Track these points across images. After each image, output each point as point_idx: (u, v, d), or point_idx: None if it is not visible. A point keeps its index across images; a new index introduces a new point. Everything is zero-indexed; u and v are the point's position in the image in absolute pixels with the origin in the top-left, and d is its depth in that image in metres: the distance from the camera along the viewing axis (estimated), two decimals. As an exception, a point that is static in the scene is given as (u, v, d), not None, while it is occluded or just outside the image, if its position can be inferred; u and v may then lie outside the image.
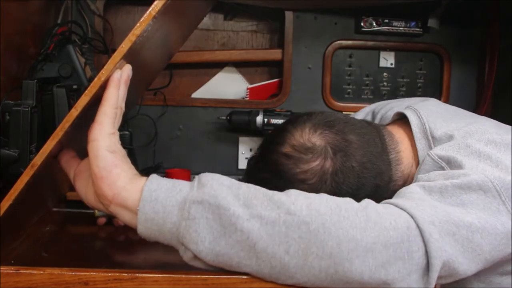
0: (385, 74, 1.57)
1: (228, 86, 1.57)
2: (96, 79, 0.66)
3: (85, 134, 0.67)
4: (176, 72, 1.53)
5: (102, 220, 1.02)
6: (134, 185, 0.65)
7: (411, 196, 0.71)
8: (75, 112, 0.66)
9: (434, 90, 1.58)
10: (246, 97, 1.55)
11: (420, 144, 0.86)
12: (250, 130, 1.48)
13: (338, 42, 1.54)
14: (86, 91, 0.66)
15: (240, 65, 1.58)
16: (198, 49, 1.55)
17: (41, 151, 0.67)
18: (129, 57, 0.69)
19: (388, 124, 0.95)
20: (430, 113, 0.88)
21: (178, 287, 0.67)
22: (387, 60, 1.56)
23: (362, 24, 1.52)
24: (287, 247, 0.62)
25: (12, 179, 0.71)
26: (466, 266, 0.67)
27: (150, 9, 0.66)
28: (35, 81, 0.89)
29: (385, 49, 1.56)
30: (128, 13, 1.52)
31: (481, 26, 1.55)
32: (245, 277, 0.66)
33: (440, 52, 1.56)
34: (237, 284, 0.66)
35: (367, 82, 1.57)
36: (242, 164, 1.54)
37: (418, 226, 0.65)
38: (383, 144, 0.86)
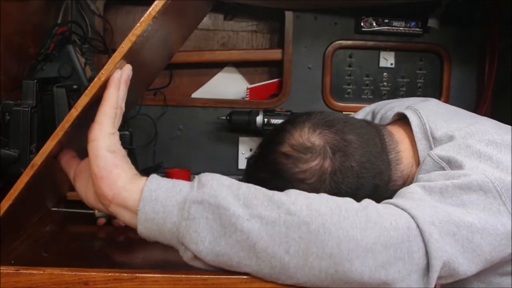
0: (385, 74, 1.57)
1: (228, 86, 1.57)
2: (96, 79, 0.66)
3: (85, 134, 0.67)
4: (176, 72, 1.53)
5: (102, 221, 1.02)
6: (134, 185, 0.65)
7: (411, 196, 0.71)
8: (75, 112, 0.66)
9: (434, 90, 1.58)
10: (246, 97, 1.55)
11: (421, 144, 0.86)
12: (250, 130, 1.48)
13: (338, 42, 1.54)
14: (86, 91, 0.66)
15: (240, 65, 1.58)
16: (198, 49, 1.55)
17: (41, 151, 0.67)
18: (129, 57, 0.69)
19: (388, 124, 0.95)
20: (430, 114, 0.88)
21: (178, 287, 0.67)
22: (387, 60, 1.56)
23: (362, 24, 1.52)
24: (287, 247, 0.62)
25: (12, 179, 0.71)
26: (466, 266, 0.67)
27: (150, 9, 0.66)
28: (35, 81, 0.89)
29: (385, 49, 1.56)
30: (128, 13, 1.52)
31: (481, 26, 1.55)
32: (245, 277, 0.66)
33: (440, 52, 1.56)
34: (237, 284, 0.66)
35: (367, 82, 1.57)
36: (242, 164, 1.54)
37: (418, 226, 0.65)
38: (382, 144, 0.86)
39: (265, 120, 1.44)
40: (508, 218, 0.69)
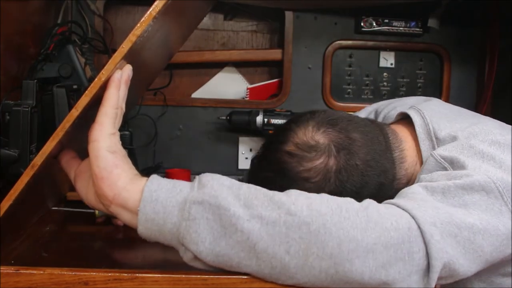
0: (385, 74, 1.57)
1: (228, 86, 1.57)
2: (96, 79, 0.66)
3: (85, 135, 0.67)
4: (176, 72, 1.53)
5: (101, 219, 1.02)
6: (135, 185, 0.65)
7: (413, 196, 0.71)
8: (75, 112, 0.66)
9: (434, 90, 1.58)
10: (246, 97, 1.55)
11: (424, 145, 0.85)
12: (250, 130, 1.48)
13: (338, 42, 1.54)
14: (86, 92, 0.66)
15: (240, 65, 1.57)
16: (198, 49, 1.55)
17: (41, 151, 0.67)
18: (129, 58, 0.69)
19: (392, 124, 0.95)
20: (433, 114, 0.88)
21: (178, 287, 0.67)
22: (387, 60, 1.56)
23: (362, 24, 1.52)
24: (287, 248, 0.62)
25: (12, 179, 0.71)
26: (467, 267, 0.67)
27: (151, 9, 0.66)
28: (35, 81, 0.89)
29: (385, 49, 1.56)
30: (128, 13, 1.52)
31: (481, 26, 1.55)
32: (245, 277, 0.66)
33: (440, 52, 1.56)
34: (237, 284, 0.66)
35: (367, 82, 1.57)
36: (242, 164, 1.54)
37: (419, 227, 0.65)
38: (386, 142, 0.86)
39: (265, 120, 1.44)
40: (509, 218, 0.69)
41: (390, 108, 1.04)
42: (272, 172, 0.84)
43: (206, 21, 1.55)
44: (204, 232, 0.62)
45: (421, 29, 1.53)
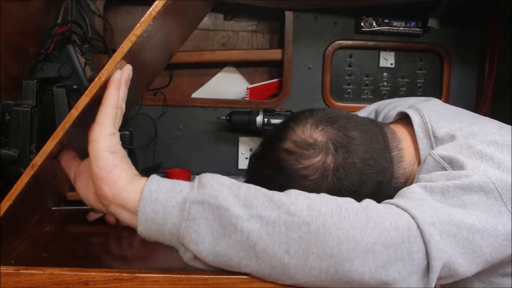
0: (385, 74, 1.57)
1: (228, 86, 1.57)
2: (96, 79, 0.66)
3: (85, 135, 0.67)
4: (176, 72, 1.53)
5: (93, 216, 1.01)
6: (134, 185, 0.65)
7: (412, 196, 0.71)
8: (75, 112, 0.66)
9: (434, 90, 1.58)
10: (246, 97, 1.55)
11: (422, 143, 0.86)
12: (250, 130, 1.48)
13: (338, 42, 1.54)
14: (86, 92, 0.66)
15: (240, 65, 1.58)
16: (198, 49, 1.55)
17: (41, 151, 0.67)
18: (129, 57, 0.69)
19: (391, 123, 0.95)
20: (432, 113, 0.88)
21: (178, 287, 0.67)
22: (387, 60, 1.57)
23: (362, 24, 1.52)
24: (287, 248, 0.62)
25: (12, 179, 0.71)
26: (466, 267, 0.67)
27: (151, 9, 0.66)
28: (35, 81, 0.89)
29: (385, 49, 1.56)
30: (128, 13, 1.52)
31: (481, 26, 1.55)
32: (245, 277, 0.66)
33: (440, 52, 1.56)
34: (237, 284, 0.66)
35: (367, 82, 1.57)
36: (242, 164, 1.55)
37: (419, 227, 0.65)
38: (385, 141, 0.86)
39: (265, 120, 1.44)
40: (508, 219, 0.69)
41: (390, 108, 1.04)
42: (271, 170, 0.84)
43: (206, 21, 1.55)
44: (204, 232, 0.62)
45: (421, 29, 1.53)
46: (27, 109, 0.85)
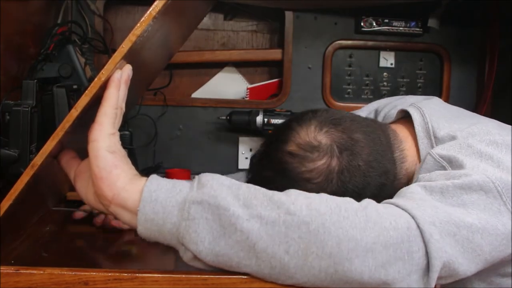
0: (385, 74, 1.57)
1: (228, 86, 1.57)
2: (96, 79, 0.66)
3: (85, 135, 0.67)
4: (176, 72, 1.53)
5: (79, 215, 1.00)
6: (134, 185, 0.65)
7: (412, 196, 0.71)
8: (75, 112, 0.66)
9: (434, 90, 1.58)
10: (246, 97, 1.55)
11: (422, 143, 0.86)
12: (250, 130, 1.48)
13: (338, 42, 1.54)
14: (86, 91, 0.66)
15: (240, 65, 1.58)
16: (198, 49, 1.55)
17: (41, 151, 0.67)
18: (129, 57, 0.69)
19: (392, 123, 0.95)
20: (433, 113, 0.88)
21: (178, 287, 0.67)
22: (387, 60, 1.57)
23: (362, 24, 1.52)
24: (287, 247, 0.62)
25: (12, 179, 0.71)
26: (466, 266, 0.67)
27: (151, 9, 0.66)
28: (35, 81, 0.89)
29: (385, 49, 1.56)
30: (128, 13, 1.52)
31: (481, 26, 1.55)
32: (245, 277, 0.66)
33: (440, 52, 1.56)
34: (237, 284, 0.66)
35: (367, 82, 1.57)
36: (242, 164, 1.55)
37: (418, 226, 0.65)
38: (388, 142, 0.86)
39: (265, 120, 1.44)
40: (508, 218, 0.69)
41: (390, 107, 1.04)
42: (273, 172, 0.84)
43: (206, 21, 1.55)
44: (204, 232, 0.62)
45: (421, 29, 1.53)
46: (27, 109, 0.85)
